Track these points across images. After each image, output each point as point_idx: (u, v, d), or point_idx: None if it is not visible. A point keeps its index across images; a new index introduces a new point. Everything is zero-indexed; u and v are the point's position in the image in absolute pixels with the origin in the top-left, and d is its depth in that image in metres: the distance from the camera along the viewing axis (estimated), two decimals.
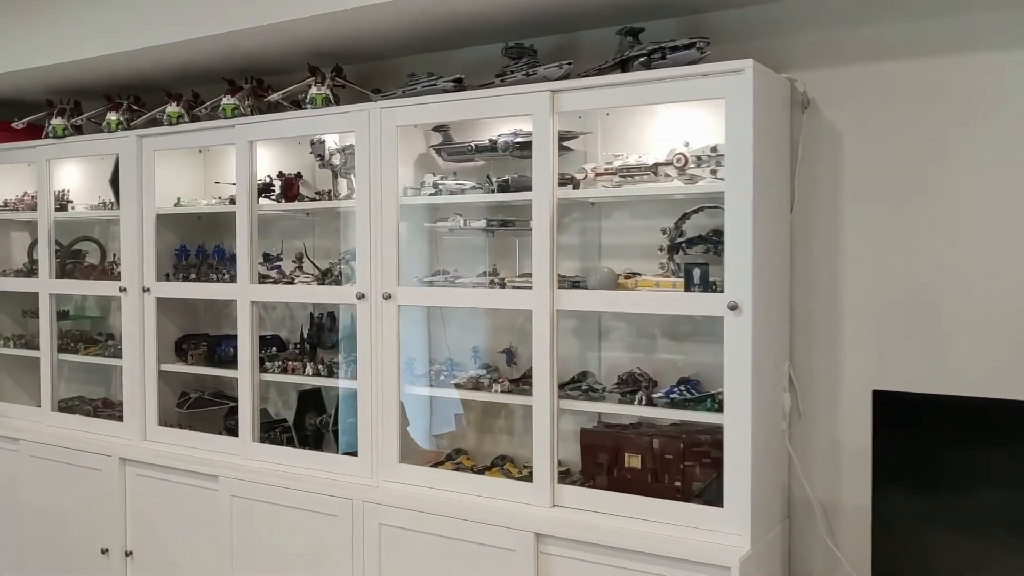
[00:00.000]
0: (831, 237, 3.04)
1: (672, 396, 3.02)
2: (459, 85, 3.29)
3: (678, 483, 3.01)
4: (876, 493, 2.72)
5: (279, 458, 3.76)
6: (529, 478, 3.27)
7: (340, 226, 4.05)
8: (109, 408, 4.65)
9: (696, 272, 2.89)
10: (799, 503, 3.12)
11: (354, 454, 3.65)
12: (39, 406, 4.66)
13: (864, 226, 2.99)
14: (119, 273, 4.43)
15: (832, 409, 3.07)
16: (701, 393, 3.05)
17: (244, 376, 3.84)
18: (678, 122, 3.18)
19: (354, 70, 3.94)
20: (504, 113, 3.19)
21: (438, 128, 3.57)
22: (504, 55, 3.37)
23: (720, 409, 2.89)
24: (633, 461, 3.11)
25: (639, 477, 3.08)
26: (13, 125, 4.61)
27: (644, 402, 3.04)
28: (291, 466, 3.70)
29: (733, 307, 2.73)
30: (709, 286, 2.88)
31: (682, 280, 2.98)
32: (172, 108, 4.03)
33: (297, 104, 3.97)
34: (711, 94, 2.79)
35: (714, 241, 3.04)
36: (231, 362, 4.13)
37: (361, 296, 3.46)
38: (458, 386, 3.45)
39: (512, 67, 3.29)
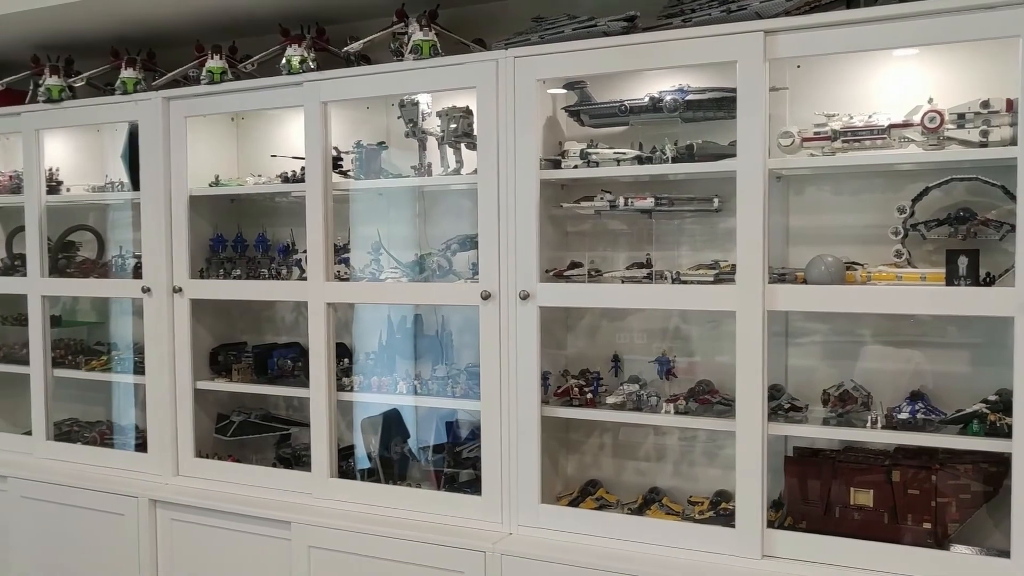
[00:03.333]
0: None
1: (917, 416, 2.41)
2: (631, 25, 2.60)
3: (927, 525, 2.41)
4: None
5: (366, 497, 3.02)
6: (716, 520, 2.63)
7: (423, 208, 3.32)
8: (118, 435, 3.80)
9: (963, 261, 2.28)
10: None
11: (462, 490, 2.97)
12: (28, 433, 3.79)
13: None
14: (132, 269, 3.61)
15: None
16: (939, 411, 2.45)
17: (319, 395, 3.08)
18: (904, 73, 2.56)
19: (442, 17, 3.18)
20: (694, 60, 2.53)
21: (572, 85, 2.87)
22: None
23: (993, 432, 2.30)
24: (862, 497, 2.49)
25: (872, 518, 2.47)
26: None
27: (881, 424, 2.42)
28: (384, 507, 2.97)
29: None
30: (978, 279, 2.28)
31: (925, 272, 2.38)
32: (214, 62, 3.21)
33: (366, 59, 3.22)
34: (998, 32, 2.17)
35: (967, 220, 2.43)
36: (288, 377, 3.36)
37: (487, 296, 2.75)
38: (613, 406, 2.77)
39: (683, 5, 2.62)
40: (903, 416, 2.41)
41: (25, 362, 3.77)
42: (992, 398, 2.40)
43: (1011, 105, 2.25)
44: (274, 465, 3.41)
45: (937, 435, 2.36)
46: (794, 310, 2.58)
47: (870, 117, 2.45)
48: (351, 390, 3.16)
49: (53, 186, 3.80)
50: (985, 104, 2.29)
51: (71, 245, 3.93)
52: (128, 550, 3.32)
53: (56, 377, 3.76)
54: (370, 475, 3.21)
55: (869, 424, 2.43)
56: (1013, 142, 2.21)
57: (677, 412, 2.67)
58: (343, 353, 3.35)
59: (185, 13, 3.31)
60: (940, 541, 2.40)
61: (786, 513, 2.62)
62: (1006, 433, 2.25)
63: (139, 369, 3.61)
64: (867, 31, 2.29)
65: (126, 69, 3.43)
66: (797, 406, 2.61)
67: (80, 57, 3.78)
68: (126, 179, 3.62)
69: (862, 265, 2.51)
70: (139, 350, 3.69)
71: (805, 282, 2.48)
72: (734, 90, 2.49)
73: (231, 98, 3.24)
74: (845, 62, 2.62)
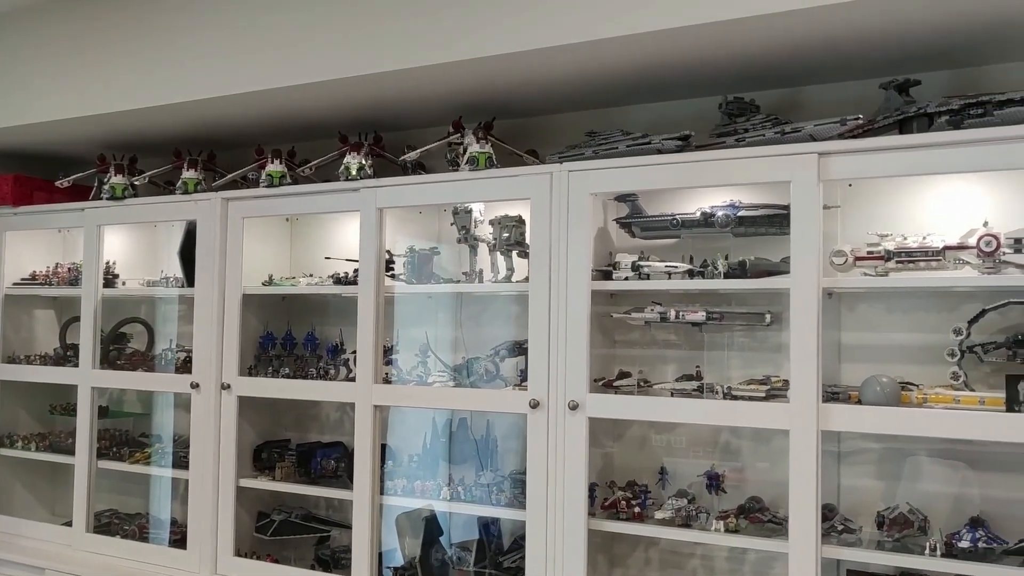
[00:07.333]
0: None
1: (979, 544, 2.34)
2: (685, 144, 2.66)
3: None
4: None
5: None
6: None
7: (472, 312, 3.35)
8: (157, 528, 3.79)
9: (1023, 387, 2.25)
10: None
11: None
12: (68, 524, 3.79)
13: None
14: (180, 363, 3.66)
15: None
16: (1001, 539, 2.38)
17: (362, 499, 3.06)
18: (958, 195, 2.58)
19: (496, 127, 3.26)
20: (748, 180, 2.57)
21: (624, 198, 2.93)
22: (721, 111, 2.76)
23: None
24: None
25: None
26: (57, 183, 3.84)
27: (940, 551, 2.36)
28: None
29: None
30: None
31: (984, 395, 2.35)
32: (273, 167, 3.32)
33: (422, 166, 3.31)
34: None
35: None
36: (330, 477, 3.35)
37: (536, 404, 2.74)
38: (662, 521, 2.72)
39: (736, 125, 2.68)
40: (964, 544, 2.34)
41: (70, 452, 3.80)
42: None
43: None
44: (312, 566, 3.37)
45: (1001, 567, 2.28)
46: (848, 431, 2.55)
47: (924, 238, 2.46)
48: (393, 493, 3.13)
49: (109, 279, 3.89)
50: None
51: (123, 337, 4.01)
52: None
53: (99, 468, 3.78)
54: None
55: (928, 551, 2.37)
56: None
57: (727, 530, 2.62)
58: (385, 455, 3.35)
59: (247, 118, 3.43)
60: None
61: None
62: None
63: (180, 463, 3.63)
64: (921, 156, 2.32)
65: (188, 170, 3.55)
66: (850, 528, 2.54)
67: (143, 156, 3.92)
68: (181, 275, 3.70)
69: (917, 386, 2.48)
70: (181, 443, 3.73)
71: (859, 401, 2.46)
72: (785, 207, 2.53)
73: (289, 201, 3.33)
74: (897, 182, 2.65)
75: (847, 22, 2.31)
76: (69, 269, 4.05)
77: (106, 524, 3.85)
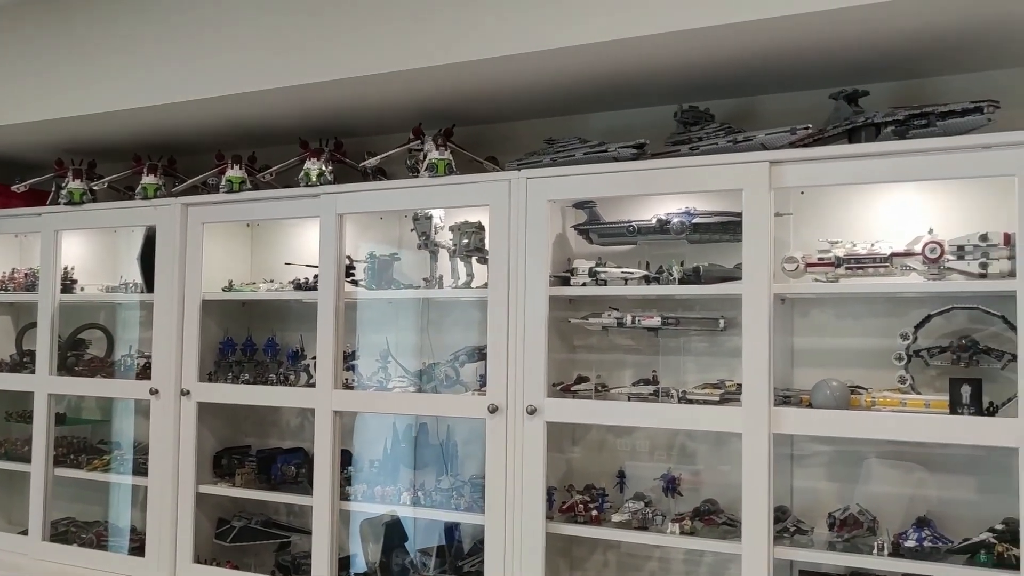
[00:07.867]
0: None
1: (924, 544, 2.40)
2: (640, 152, 2.70)
3: None
4: None
5: None
6: None
7: (432, 318, 3.36)
8: (115, 536, 3.76)
9: (966, 390, 2.32)
10: None
11: None
12: (24, 533, 3.75)
13: None
14: (140, 369, 3.64)
15: None
16: (946, 539, 2.44)
17: (322, 504, 3.06)
18: (905, 203, 2.64)
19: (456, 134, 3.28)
20: (701, 187, 2.63)
21: (581, 205, 2.96)
22: (676, 120, 2.81)
23: (1001, 564, 2.29)
24: None
25: None
26: (13, 188, 3.80)
27: (887, 551, 2.41)
28: None
29: None
30: (982, 408, 2.31)
31: (929, 399, 2.42)
32: (233, 172, 3.31)
33: (382, 172, 3.32)
34: (996, 170, 2.27)
35: (969, 348, 2.47)
36: (290, 483, 3.35)
37: (494, 409, 2.77)
38: (619, 524, 2.75)
39: (690, 133, 2.73)
40: (910, 544, 2.40)
41: (26, 459, 3.76)
42: (999, 527, 2.39)
43: (1009, 239, 2.32)
44: (272, 573, 3.37)
45: (945, 565, 2.34)
46: (800, 434, 2.60)
47: (873, 245, 2.52)
48: (355, 499, 3.14)
49: (67, 285, 3.85)
50: (984, 237, 2.36)
51: (81, 343, 3.97)
52: None
53: (56, 476, 3.74)
54: None
55: (876, 551, 2.43)
56: (1012, 274, 2.27)
57: (683, 532, 2.66)
58: (346, 460, 3.35)
59: (207, 123, 3.42)
60: None
61: None
62: (1014, 565, 2.24)
63: (140, 470, 3.61)
64: (868, 165, 2.38)
65: (147, 175, 3.53)
66: (802, 529, 2.60)
67: (103, 160, 3.89)
68: (140, 280, 3.67)
69: (866, 389, 2.54)
70: (140, 450, 3.70)
71: (810, 405, 2.51)
72: (739, 214, 2.57)
73: (249, 207, 3.33)
74: (847, 190, 2.71)
75: (800, 35, 2.36)
76: (26, 274, 4.00)
77: (63, 532, 3.81)
